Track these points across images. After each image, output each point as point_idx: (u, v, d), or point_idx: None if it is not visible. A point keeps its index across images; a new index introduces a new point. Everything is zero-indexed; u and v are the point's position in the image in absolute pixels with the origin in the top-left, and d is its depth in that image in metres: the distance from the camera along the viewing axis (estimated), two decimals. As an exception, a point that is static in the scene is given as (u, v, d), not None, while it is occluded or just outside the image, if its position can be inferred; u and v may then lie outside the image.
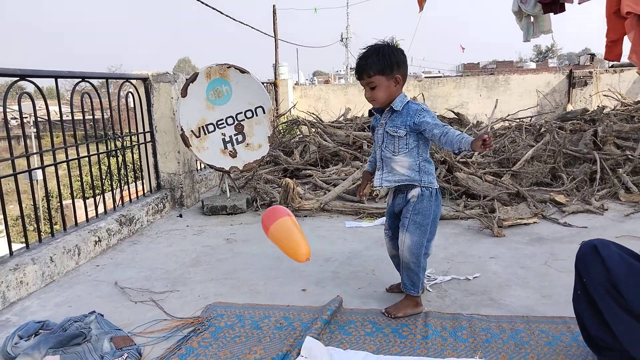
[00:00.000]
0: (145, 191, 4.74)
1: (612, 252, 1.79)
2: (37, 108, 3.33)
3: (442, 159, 4.95)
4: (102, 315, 2.40)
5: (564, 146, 5.19)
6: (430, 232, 2.43)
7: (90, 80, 3.89)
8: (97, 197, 3.94)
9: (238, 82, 4.59)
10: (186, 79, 4.56)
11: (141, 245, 3.79)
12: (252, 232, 3.99)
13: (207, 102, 4.55)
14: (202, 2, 9.94)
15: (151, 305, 2.68)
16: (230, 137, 4.65)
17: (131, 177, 4.81)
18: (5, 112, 3.05)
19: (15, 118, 20.60)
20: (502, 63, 52.46)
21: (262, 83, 4.97)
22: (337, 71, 57.52)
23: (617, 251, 1.81)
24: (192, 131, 4.51)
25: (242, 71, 4.61)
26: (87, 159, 3.78)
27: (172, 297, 2.78)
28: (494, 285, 2.77)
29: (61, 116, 3.61)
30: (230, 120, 4.63)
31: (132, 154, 4.58)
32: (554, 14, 5.70)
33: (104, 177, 4.16)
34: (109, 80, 4.31)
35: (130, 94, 4.53)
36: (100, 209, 3.92)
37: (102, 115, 4.29)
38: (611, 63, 12.16)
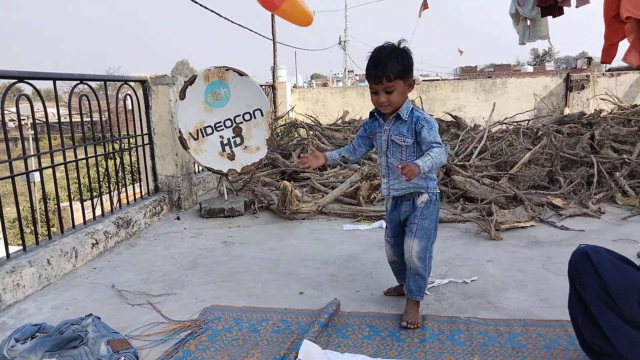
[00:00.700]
0: (143, 194, 4.73)
1: (603, 258, 1.80)
2: (34, 110, 3.33)
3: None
4: (99, 318, 2.39)
5: (561, 149, 5.21)
6: (434, 235, 2.44)
7: (89, 83, 3.89)
8: (95, 200, 3.93)
9: (236, 85, 4.59)
10: (184, 82, 4.56)
11: (139, 247, 3.78)
12: (249, 235, 3.99)
13: (205, 105, 4.55)
14: (200, 5, 9.94)
15: (148, 308, 2.68)
16: (229, 139, 4.64)
17: (129, 179, 4.80)
18: (2, 114, 3.05)
19: (13, 120, 20.56)
20: (500, 66, 52.65)
21: (261, 86, 4.98)
22: (335, 74, 57.67)
23: (609, 257, 1.81)
24: (190, 134, 4.51)
25: (241, 74, 4.61)
26: (84, 161, 3.78)
27: (169, 300, 2.77)
28: (491, 289, 2.77)
29: (59, 118, 3.61)
30: (228, 123, 4.63)
31: (130, 156, 4.57)
32: (552, 17, 5.73)
33: (101, 179, 4.16)
34: (107, 82, 4.31)
35: (128, 96, 4.53)
36: (98, 212, 3.91)
37: (100, 118, 4.29)
38: (608, 67, 12.21)
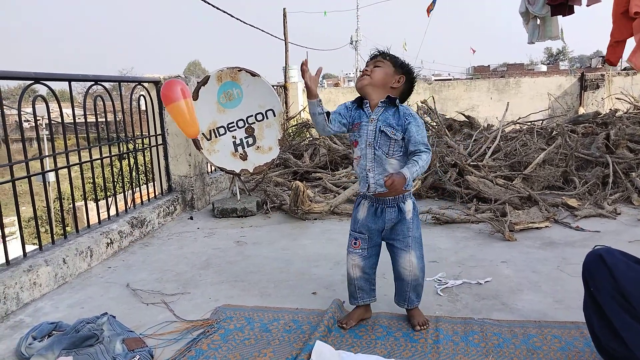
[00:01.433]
0: (157, 193, 4.77)
1: (618, 260, 1.78)
2: (50, 110, 3.37)
3: (453, 162, 4.94)
4: (114, 317, 2.41)
5: (576, 150, 5.15)
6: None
7: (103, 84, 3.93)
8: (109, 199, 3.97)
9: (249, 85, 4.61)
10: (197, 82, 4.59)
11: (152, 247, 3.81)
12: (262, 235, 4.01)
13: (218, 105, 4.58)
14: (213, 5, 9.99)
15: (162, 307, 2.70)
16: (241, 140, 4.66)
17: (142, 179, 4.84)
18: (19, 115, 3.09)
19: (28, 120, 20.81)
20: (513, 66, 52.18)
21: (273, 86, 4.99)
22: (347, 74, 57.57)
23: (623, 259, 1.79)
24: (203, 134, 4.54)
25: (253, 74, 4.63)
26: (99, 161, 3.82)
27: (183, 299, 2.79)
28: (505, 290, 2.75)
29: (74, 119, 3.65)
30: (241, 123, 4.65)
31: (144, 156, 4.61)
32: (562, 16, 5.66)
33: (115, 179, 4.20)
34: (121, 83, 4.35)
35: (142, 97, 4.56)
36: (112, 211, 3.95)
37: (115, 118, 4.33)
38: (624, 65, 12.05)
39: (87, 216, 3.74)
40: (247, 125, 4.67)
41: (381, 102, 2.25)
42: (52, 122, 3.58)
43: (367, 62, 2.32)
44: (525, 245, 3.49)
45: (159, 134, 4.73)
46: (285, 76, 11.55)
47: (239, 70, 4.59)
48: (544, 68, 48.31)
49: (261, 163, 4.72)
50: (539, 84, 11.11)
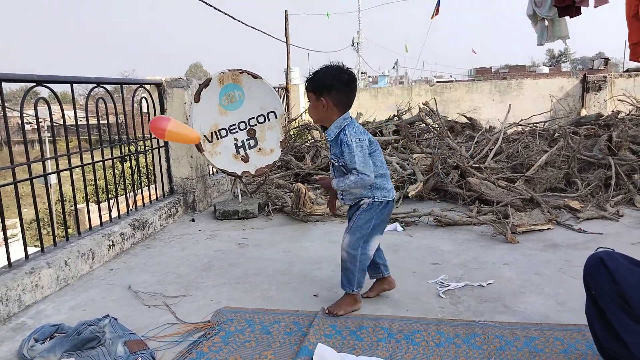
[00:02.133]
0: (158, 196, 4.77)
1: (619, 263, 1.78)
2: (52, 112, 3.37)
3: (455, 164, 4.93)
4: (116, 319, 2.41)
5: (578, 151, 5.15)
6: (371, 234, 2.50)
7: (105, 86, 3.94)
8: (111, 201, 3.98)
9: (250, 88, 4.61)
10: (199, 85, 4.59)
11: (154, 249, 3.82)
12: (264, 237, 4.00)
13: (219, 107, 4.58)
14: (214, 7, 10.01)
15: (164, 309, 2.70)
16: (243, 142, 4.67)
17: (144, 181, 4.85)
18: (22, 117, 3.10)
19: (29, 123, 20.87)
20: (515, 67, 52.17)
21: (274, 88, 4.99)
22: (348, 76, 57.41)
23: (624, 262, 1.79)
24: (204, 136, 4.54)
25: (255, 76, 4.63)
26: (101, 163, 3.82)
27: (185, 302, 2.79)
28: (508, 292, 2.74)
29: (76, 121, 3.66)
30: (242, 125, 4.65)
31: (146, 158, 4.61)
32: (570, 17, 5.67)
33: (117, 181, 4.20)
34: (123, 85, 4.36)
35: (144, 99, 4.57)
36: (114, 213, 3.95)
37: (117, 120, 4.33)
38: (626, 67, 12.03)
39: (88, 218, 3.76)
40: (248, 127, 4.67)
41: (325, 132, 2.48)
42: (54, 124, 3.58)
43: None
44: (527, 247, 3.49)
45: (161, 136, 4.73)
46: (286, 78, 11.56)
47: (240, 73, 4.60)
48: (545, 70, 48.27)
49: (263, 165, 4.72)
50: (541, 85, 11.10)
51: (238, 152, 4.67)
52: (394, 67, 55.83)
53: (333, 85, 2.38)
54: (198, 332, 2.41)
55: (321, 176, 2.36)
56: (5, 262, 2.88)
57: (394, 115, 7.82)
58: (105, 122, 4.21)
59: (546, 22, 5.97)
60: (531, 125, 6.65)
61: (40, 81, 3.17)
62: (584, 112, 9.90)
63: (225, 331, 2.40)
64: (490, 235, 3.76)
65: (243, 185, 4.96)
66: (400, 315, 2.50)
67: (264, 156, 4.72)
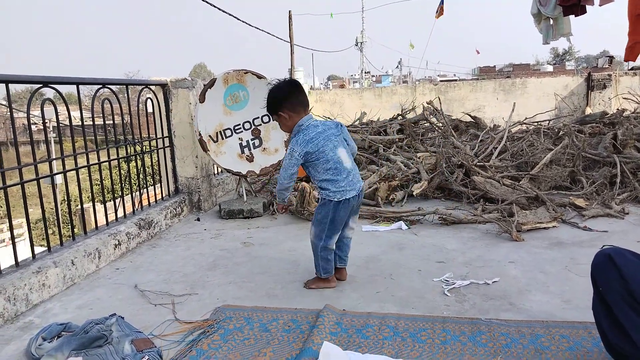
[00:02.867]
0: (164, 195, 4.79)
1: (627, 260, 1.78)
2: (58, 113, 3.39)
3: (460, 162, 4.93)
4: (122, 318, 2.43)
5: (583, 150, 5.13)
6: (329, 229, 2.78)
7: (110, 86, 3.96)
8: (117, 201, 4.00)
9: (255, 88, 4.63)
10: (204, 85, 4.61)
11: (160, 248, 3.83)
12: (269, 236, 4.01)
13: (224, 107, 4.60)
14: (218, 8, 10.03)
15: (170, 308, 2.71)
16: (247, 141, 4.68)
17: (150, 181, 4.87)
18: (28, 118, 3.12)
19: (36, 123, 20.95)
20: (519, 66, 52.04)
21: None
22: (352, 75, 57.58)
23: (633, 259, 1.79)
24: (209, 136, 4.56)
25: (259, 76, 4.64)
26: (107, 163, 3.84)
27: (191, 300, 2.80)
28: (513, 290, 2.74)
29: (82, 121, 3.68)
30: (247, 125, 4.67)
31: (151, 158, 4.63)
32: (575, 16, 5.64)
33: (123, 181, 4.22)
34: (128, 86, 4.38)
35: (149, 100, 4.59)
36: (120, 213, 3.97)
37: (122, 121, 4.36)
38: (631, 65, 11.99)
39: (95, 218, 3.77)
40: (253, 127, 4.69)
41: None
42: (60, 124, 3.60)
43: None
44: (532, 245, 3.48)
45: (166, 136, 4.76)
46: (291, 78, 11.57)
47: (245, 73, 4.61)
48: (550, 68, 48.13)
49: (267, 164, 4.74)
50: (545, 84, 11.07)
51: (243, 152, 4.68)
52: (397, 66, 55.77)
53: (280, 98, 2.73)
54: (198, 330, 2.42)
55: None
56: (13, 262, 2.91)
57: (398, 115, 7.81)
58: (111, 122, 4.22)
59: (551, 21, 5.95)
60: (536, 123, 6.63)
61: (47, 82, 3.19)
62: (588, 111, 9.86)
63: (224, 329, 2.41)
64: (496, 234, 3.76)
65: (248, 185, 4.98)
66: (406, 313, 2.51)
67: (268, 156, 4.73)
